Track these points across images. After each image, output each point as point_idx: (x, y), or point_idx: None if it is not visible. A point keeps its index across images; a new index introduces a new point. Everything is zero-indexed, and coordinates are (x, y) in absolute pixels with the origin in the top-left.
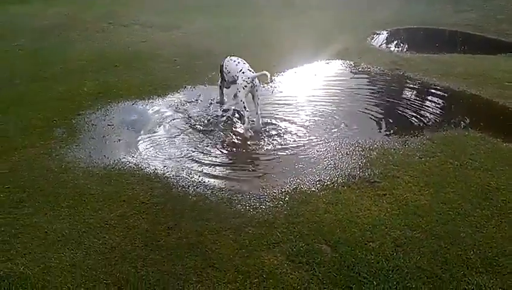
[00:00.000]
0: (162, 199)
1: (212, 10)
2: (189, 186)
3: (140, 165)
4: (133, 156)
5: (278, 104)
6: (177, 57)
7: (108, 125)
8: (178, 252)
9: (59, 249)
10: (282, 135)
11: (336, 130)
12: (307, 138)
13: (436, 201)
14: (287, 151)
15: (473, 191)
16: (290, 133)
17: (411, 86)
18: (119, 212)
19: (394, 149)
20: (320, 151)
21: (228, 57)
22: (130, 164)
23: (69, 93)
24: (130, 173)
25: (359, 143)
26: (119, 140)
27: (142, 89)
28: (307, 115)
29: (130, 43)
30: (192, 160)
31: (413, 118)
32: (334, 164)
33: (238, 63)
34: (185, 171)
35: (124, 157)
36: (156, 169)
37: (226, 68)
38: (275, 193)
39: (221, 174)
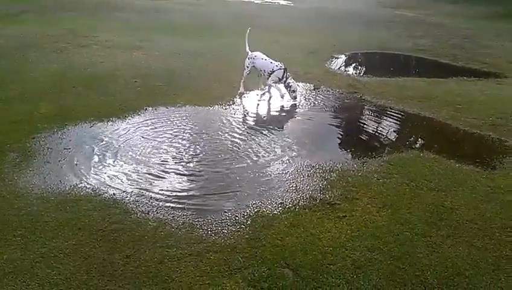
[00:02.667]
0: (121, 225)
1: (174, 30)
2: (149, 211)
3: (98, 191)
4: (90, 181)
5: (240, 125)
6: (137, 78)
7: (65, 149)
8: (136, 282)
9: (10, 281)
10: (243, 157)
11: (297, 152)
12: (269, 160)
13: (393, 222)
14: (248, 174)
15: (428, 211)
16: (252, 155)
17: (368, 109)
18: (75, 240)
19: (353, 171)
20: (282, 173)
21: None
22: (87, 190)
23: (25, 116)
24: (87, 199)
25: (320, 165)
26: (76, 164)
27: (101, 111)
28: (268, 137)
29: (89, 63)
30: (153, 184)
31: (371, 140)
32: (296, 186)
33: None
34: (145, 196)
35: (80, 183)
36: (114, 194)
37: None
38: (237, 216)
39: (182, 199)
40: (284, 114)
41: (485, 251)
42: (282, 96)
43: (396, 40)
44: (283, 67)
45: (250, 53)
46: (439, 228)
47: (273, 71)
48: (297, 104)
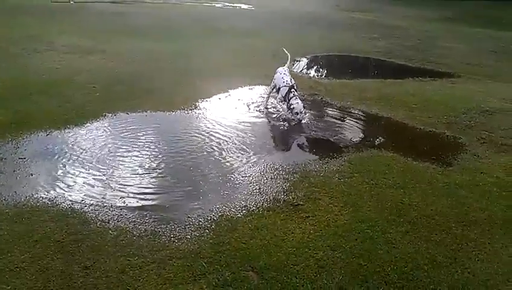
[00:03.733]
0: (80, 236)
1: (134, 34)
2: (109, 220)
3: (55, 201)
4: (47, 192)
5: (203, 130)
6: (95, 83)
7: (20, 158)
8: None
9: None
10: (206, 161)
11: (260, 155)
12: (232, 164)
13: (355, 220)
14: (212, 178)
15: (387, 208)
16: (215, 159)
17: (329, 110)
18: (31, 253)
19: (315, 171)
20: (245, 176)
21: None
22: (43, 200)
23: None
24: (43, 210)
25: (283, 167)
26: (32, 174)
27: (58, 118)
28: (231, 141)
29: (45, 69)
30: (114, 192)
31: (332, 141)
32: (259, 188)
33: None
34: (105, 204)
35: (36, 193)
36: (72, 204)
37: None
38: (200, 221)
39: (144, 206)
40: (247, 117)
41: (442, 245)
42: (284, 120)
43: (355, 42)
44: (289, 84)
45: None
46: (398, 225)
47: (279, 88)
48: (263, 110)
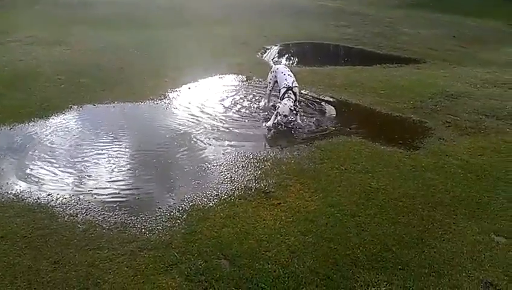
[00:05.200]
0: (47, 230)
1: (100, 24)
2: (77, 214)
3: (20, 196)
4: (12, 187)
5: (173, 119)
6: (60, 74)
7: None
8: (66, 287)
9: None
10: (176, 151)
11: (231, 143)
12: (203, 153)
13: (325, 205)
14: (183, 168)
15: (356, 193)
16: (185, 149)
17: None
18: None
19: (286, 159)
20: (217, 165)
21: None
22: (8, 195)
23: None
24: (8, 205)
25: (254, 155)
26: None
27: (22, 111)
28: (202, 131)
29: (7, 62)
30: (81, 185)
31: (302, 128)
32: (231, 177)
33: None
34: (73, 197)
35: (1, 188)
36: (39, 198)
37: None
38: (172, 212)
39: (113, 198)
40: (218, 106)
41: (409, 227)
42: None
43: (323, 30)
44: (288, 86)
45: (273, 66)
46: (367, 208)
47: (279, 90)
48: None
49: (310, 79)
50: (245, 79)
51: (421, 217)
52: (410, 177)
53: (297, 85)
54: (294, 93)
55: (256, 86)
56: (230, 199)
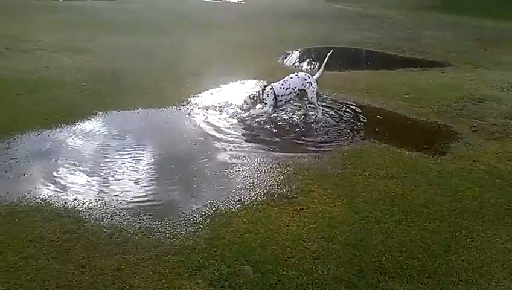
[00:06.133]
0: (74, 235)
1: (117, 31)
2: (103, 218)
3: (48, 201)
4: (40, 191)
5: (196, 125)
6: (85, 81)
7: (12, 159)
8: None
9: None
10: (200, 156)
11: (254, 148)
12: (225, 159)
13: (348, 211)
14: (206, 173)
15: (381, 199)
16: (209, 154)
17: (321, 102)
18: (26, 253)
19: (309, 164)
20: (239, 170)
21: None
22: (36, 200)
23: None
24: (37, 210)
25: (276, 160)
26: (24, 174)
27: (49, 117)
28: (225, 135)
29: (33, 69)
30: (107, 190)
31: (325, 133)
32: (253, 182)
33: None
34: (99, 202)
35: (29, 193)
36: (66, 203)
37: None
38: (195, 217)
39: (138, 203)
40: (240, 112)
41: (436, 234)
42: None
43: (343, 34)
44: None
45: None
46: (391, 214)
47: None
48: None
49: (331, 83)
50: (267, 84)
51: (448, 224)
52: (436, 183)
53: (273, 88)
54: (263, 91)
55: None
56: (253, 205)
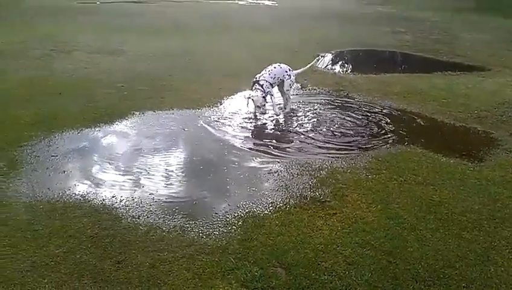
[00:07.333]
0: (111, 231)
1: (153, 33)
2: (139, 216)
3: (87, 197)
4: (79, 188)
5: (230, 126)
6: (122, 82)
7: (52, 156)
8: (129, 287)
9: None
10: (233, 158)
11: (286, 151)
12: (258, 160)
13: (383, 217)
14: (238, 175)
15: (417, 205)
16: (242, 155)
17: (355, 106)
18: (66, 247)
19: (342, 168)
20: (272, 172)
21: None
22: (76, 196)
23: (8, 124)
24: (76, 206)
25: (309, 163)
26: (64, 171)
27: (87, 116)
28: (258, 137)
29: (72, 69)
30: (143, 189)
31: (359, 137)
32: (285, 185)
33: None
34: (135, 200)
35: (69, 190)
36: (104, 200)
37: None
38: (227, 217)
39: (172, 202)
40: (273, 113)
41: (474, 243)
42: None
43: (378, 36)
44: (255, 79)
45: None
46: (428, 222)
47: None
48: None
49: (365, 87)
50: (300, 87)
51: (487, 233)
52: (475, 190)
53: (265, 78)
54: (261, 85)
55: (311, 94)
56: (286, 207)
